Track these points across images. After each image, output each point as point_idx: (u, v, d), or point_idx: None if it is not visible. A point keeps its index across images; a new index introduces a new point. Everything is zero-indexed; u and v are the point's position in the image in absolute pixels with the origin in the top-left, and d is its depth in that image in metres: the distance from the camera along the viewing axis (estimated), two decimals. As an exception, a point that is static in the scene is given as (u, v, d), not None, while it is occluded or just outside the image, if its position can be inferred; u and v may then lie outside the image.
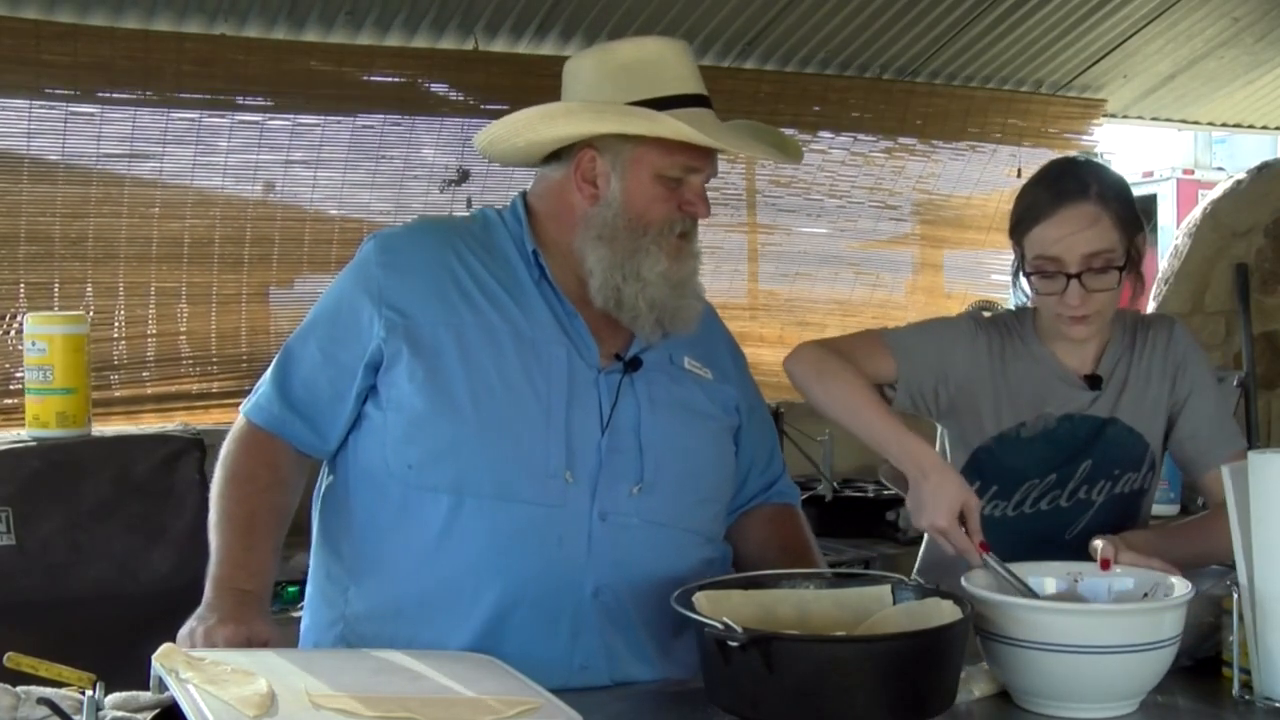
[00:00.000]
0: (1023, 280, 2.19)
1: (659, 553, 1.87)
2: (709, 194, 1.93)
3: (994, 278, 5.34)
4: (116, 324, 3.80)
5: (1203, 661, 1.82)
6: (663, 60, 1.91)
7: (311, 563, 1.98)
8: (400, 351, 1.84)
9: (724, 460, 2.00)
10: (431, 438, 1.82)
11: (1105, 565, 1.81)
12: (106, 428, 3.39)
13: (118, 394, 3.79)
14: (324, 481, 1.98)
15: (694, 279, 1.92)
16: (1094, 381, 2.18)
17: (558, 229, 1.92)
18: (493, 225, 1.97)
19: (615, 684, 1.83)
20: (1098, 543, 1.87)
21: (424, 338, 1.84)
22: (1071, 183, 2.10)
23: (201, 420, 3.73)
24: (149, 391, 3.83)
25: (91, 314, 3.65)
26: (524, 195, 1.99)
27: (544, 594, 1.80)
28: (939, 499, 1.86)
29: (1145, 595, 1.77)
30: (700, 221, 1.94)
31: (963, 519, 1.85)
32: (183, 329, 3.88)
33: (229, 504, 1.84)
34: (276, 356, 1.94)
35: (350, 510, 1.91)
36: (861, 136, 4.92)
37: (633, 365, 1.91)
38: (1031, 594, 1.78)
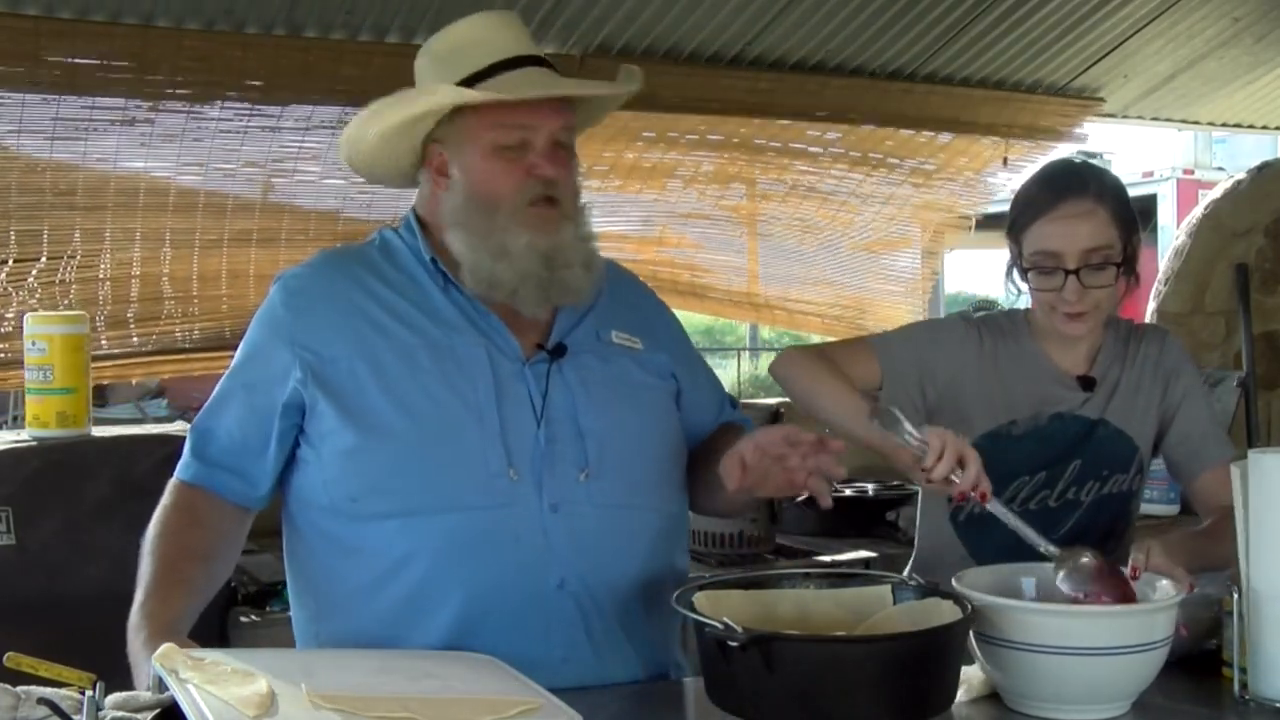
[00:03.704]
0: (1015, 278, 2.21)
1: (617, 535, 1.86)
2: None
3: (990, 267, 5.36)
4: (103, 266, 3.86)
5: (1203, 661, 1.82)
6: (483, 33, 1.90)
7: (290, 599, 1.98)
8: (320, 391, 1.83)
9: (669, 429, 1.98)
10: (369, 468, 1.81)
11: (1134, 574, 1.79)
12: (107, 428, 3.38)
13: (104, 340, 3.85)
14: (283, 529, 1.96)
15: (573, 247, 1.86)
16: (1087, 383, 2.20)
17: (440, 232, 1.91)
18: (391, 244, 1.97)
19: (602, 678, 1.81)
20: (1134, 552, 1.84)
21: (341, 373, 1.83)
22: (1070, 180, 2.13)
23: (186, 370, 3.85)
24: (134, 338, 3.89)
25: (79, 257, 3.72)
26: (415, 209, 1.98)
27: (509, 595, 1.79)
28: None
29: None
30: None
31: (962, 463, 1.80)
32: (165, 270, 3.94)
33: (146, 557, 1.82)
34: (198, 413, 1.94)
35: (305, 551, 1.91)
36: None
37: (558, 352, 1.89)
38: (1042, 546, 1.79)
